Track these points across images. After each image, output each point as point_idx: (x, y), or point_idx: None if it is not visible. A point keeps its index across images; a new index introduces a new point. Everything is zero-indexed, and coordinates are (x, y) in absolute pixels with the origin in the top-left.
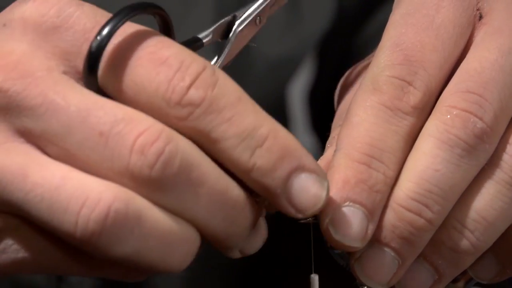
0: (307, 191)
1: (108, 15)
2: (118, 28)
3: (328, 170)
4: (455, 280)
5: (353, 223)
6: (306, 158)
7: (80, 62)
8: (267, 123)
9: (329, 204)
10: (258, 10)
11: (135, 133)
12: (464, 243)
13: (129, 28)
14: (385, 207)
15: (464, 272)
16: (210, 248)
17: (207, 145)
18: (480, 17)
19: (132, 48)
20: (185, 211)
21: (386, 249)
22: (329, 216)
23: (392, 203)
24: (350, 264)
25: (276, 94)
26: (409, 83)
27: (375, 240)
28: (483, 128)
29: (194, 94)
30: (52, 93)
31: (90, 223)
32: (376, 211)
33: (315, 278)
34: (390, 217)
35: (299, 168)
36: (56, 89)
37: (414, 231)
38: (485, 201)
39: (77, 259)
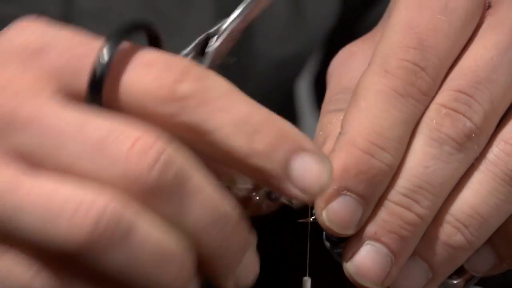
0: (310, 170)
1: (87, 37)
2: (116, 50)
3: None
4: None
5: (348, 213)
6: (305, 140)
7: (69, 79)
8: (261, 111)
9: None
10: (232, 26)
11: (131, 139)
12: (459, 238)
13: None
14: (377, 204)
15: (462, 272)
16: None
17: (201, 140)
18: (489, 7)
19: (125, 63)
20: (180, 221)
21: (378, 244)
22: (324, 202)
23: (384, 200)
24: (343, 266)
25: (281, 93)
26: (423, 69)
27: (366, 237)
28: (472, 128)
29: (184, 86)
30: (44, 109)
31: (83, 229)
32: (373, 201)
33: (307, 281)
34: (381, 213)
35: (299, 149)
36: (47, 105)
37: (404, 225)
38: (480, 197)
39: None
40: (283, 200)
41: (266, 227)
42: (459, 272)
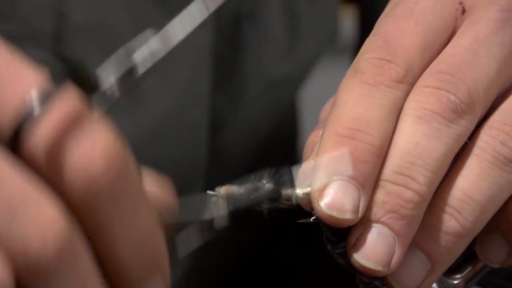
0: None
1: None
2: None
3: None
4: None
5: (344, 196)
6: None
7: None
8: None
9: (319, 181)
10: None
11: (38, 210)
12: (453, 224)
13: None
14: (374, 187)
15: (462, 271)
16: (206, 250)
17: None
18: (463, 12)
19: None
20: None
21: (379, 225)
22: (318, 191)
23: (380, 181)
24: (347, 251)
25: (275, 114)
26: (390, 61)
27: (367, 220)
28: (457, 103)
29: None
30: None
31: None
32: (367, 182)
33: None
34: (379, 194)
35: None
36: None
37: (403, 203)
38: (470, 181)
39: None
40: (283, 200)
41: (267, 227)
42: (459, 271)
